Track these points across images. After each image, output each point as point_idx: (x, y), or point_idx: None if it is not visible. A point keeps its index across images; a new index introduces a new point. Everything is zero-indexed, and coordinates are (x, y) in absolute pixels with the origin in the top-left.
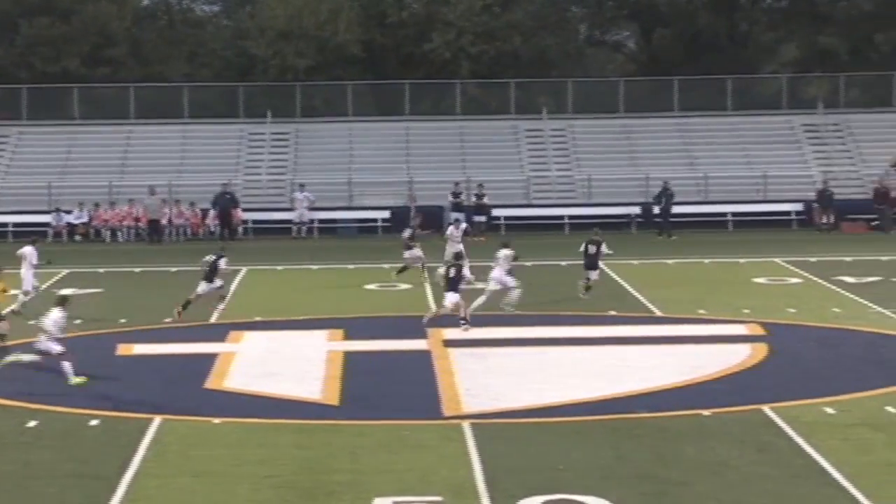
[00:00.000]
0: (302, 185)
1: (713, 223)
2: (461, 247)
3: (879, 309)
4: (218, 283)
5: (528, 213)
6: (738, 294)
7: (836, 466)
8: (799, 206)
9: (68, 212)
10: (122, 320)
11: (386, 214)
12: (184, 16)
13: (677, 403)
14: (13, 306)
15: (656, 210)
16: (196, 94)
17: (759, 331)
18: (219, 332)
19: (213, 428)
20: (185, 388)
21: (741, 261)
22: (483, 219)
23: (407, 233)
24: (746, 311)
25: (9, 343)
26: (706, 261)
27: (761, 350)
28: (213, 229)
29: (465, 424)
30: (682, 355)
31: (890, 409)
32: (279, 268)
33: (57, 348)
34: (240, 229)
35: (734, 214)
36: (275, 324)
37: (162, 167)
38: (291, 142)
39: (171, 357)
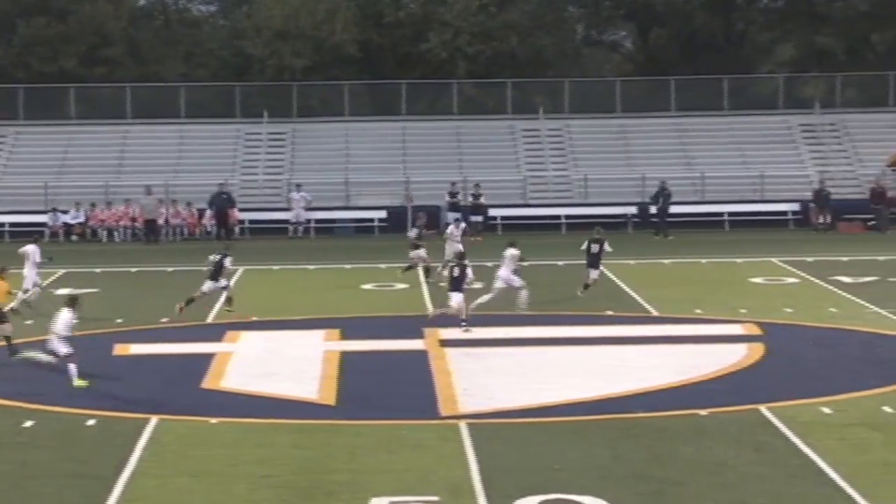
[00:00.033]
0: (298, 185)
1: (710, 223)
2: (461, 246)
3: (876, 309)
4: (223, 282)
5: (524, 212)
6: (734, 294)
7: (832, 466)
8: (796, 206)
9: (65, 212)
10: (119, 320)
11: (383, 214)
12: (180, 15)
13: (674, 403)
14: (12, 304)
15: (653, 210)
16: (193, 93)
17: (755, 331)
18: (216, 332)
19: (211, 428)
20: (182, 387)
21: (738, 261)
22: (480, 219)
23: (414, 232)
24: (743, 310)
25: (15, 341)
26: (703, 261)
27: (758, 350)
28: (209, 229)
29: (462, 424)
30: (678, 355)
31: (887, 408)
32: (276, 268)
33: (64, 350)
34: (236, 229)
35: (731, 214)
36: (271, 324)
37: (158, 167)
38: (288, 142)
39: (168, 357)
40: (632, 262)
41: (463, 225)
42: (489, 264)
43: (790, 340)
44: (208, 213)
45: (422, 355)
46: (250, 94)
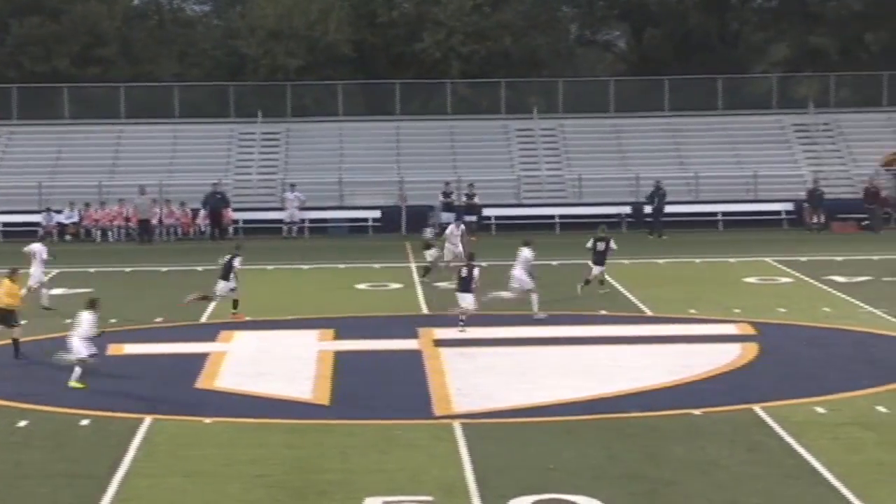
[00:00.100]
0: (292, 185)
1: (704, 223)
2: (460, 246)
3: (870, 308)
4: (232, 283)
5: (518, 212)
6: (728, 294)
7: (826, 466)
8: (789, 206)
9: (59, 211)
10: (113, 320)
11: (377, 214)
12: (174, 15)
13: (668, 403)
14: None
15: (648, 209)
16: (186, 93)
17: (749, 330)
18: (209, 332)
19: (204, 428)
20: (175, 387)
21: (732, 260)
22: (474, 218)
23: (429, 232)
24: (737, 310)
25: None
26: (697, 260)
27: (752, 349)
28: (203, 229)
29: (456, 424)
30: (672, 355)
31: (880, 408)
32: (270, 267)
33: (87, 351)
34: (230, 229)
35: (724, 214)
36: (265, 323)
37: (152, 167)
38: (282, 141)
39: (162, 357)
40: (626, 261)
41: (462, 226)
42: (484, 264)
43: (784, 340)
44: (202, 213)
45: (416, 355)
46: (244, 93)
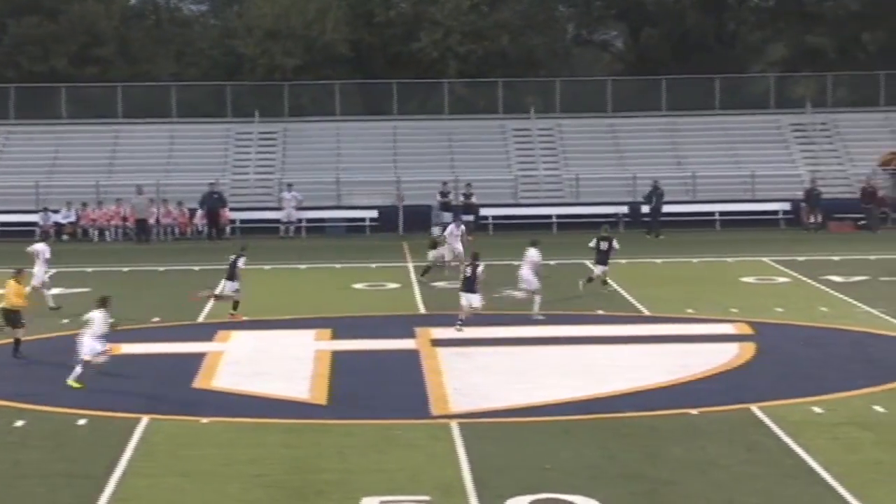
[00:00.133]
0: (290, 185)
1: (701, 222)
2: (460, 246)
3: (867, 308)
4: (236, 283)
5: (515, 212)
6: (726, 293)
7: (824, 465)
8: (787, 206)
9: (56, 211)
10: (110, 320)
11: (374, 214)
12: (171, 15)
13: (665, 402)
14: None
15: (646, 209)
16: (184, 93)
17: (746, 330)
18: (207, 332)
19: (202, 427)
20: (173, 387)
21: (729, 260)
22: (471, 218)
23: (436, 231)
24: (734, 310)
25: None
26: (694, 260)
27: (749, 349)
28: (200, 229)
29: (454, 424)
30: (670, 354)
31: (877, 408)
32: (267, 267)
33: (100, 347)
34: (227, 229)
35: (722, 214)
36: (263, 323)
37: (149, 166)
38: (279, 141)
39: (159, 357)
40: (623, 261)
41: (462, 226)
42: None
43: (781, 340)
44: (199, 212)
45: (413, 355)
46: (241, 93)
